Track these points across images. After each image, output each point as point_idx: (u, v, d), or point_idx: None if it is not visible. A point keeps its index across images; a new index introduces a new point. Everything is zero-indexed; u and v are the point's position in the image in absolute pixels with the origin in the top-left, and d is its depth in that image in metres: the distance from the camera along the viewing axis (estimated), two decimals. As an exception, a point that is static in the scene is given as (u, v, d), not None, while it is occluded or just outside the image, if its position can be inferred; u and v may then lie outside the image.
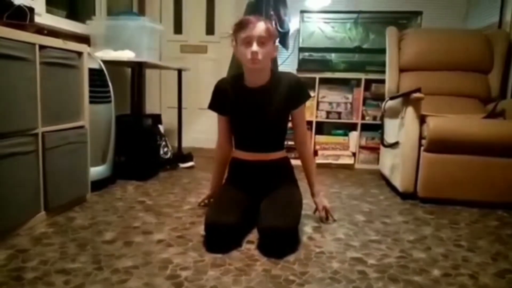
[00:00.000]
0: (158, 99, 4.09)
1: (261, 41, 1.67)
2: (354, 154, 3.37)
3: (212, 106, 1.94)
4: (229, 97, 1.85)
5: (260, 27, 1.67)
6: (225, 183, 1.98)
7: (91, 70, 2.14)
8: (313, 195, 1.95)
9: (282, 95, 1.80)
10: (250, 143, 1.88)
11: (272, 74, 1.83)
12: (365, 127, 3.36)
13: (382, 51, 3.15)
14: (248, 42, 1.68)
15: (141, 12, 3.85)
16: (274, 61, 1.89)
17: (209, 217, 1.60)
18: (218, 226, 1.55)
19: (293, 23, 3.57)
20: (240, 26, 1.70)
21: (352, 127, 3.45)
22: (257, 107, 1.81)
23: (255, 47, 1.66)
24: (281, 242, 1.52)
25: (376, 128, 3.25)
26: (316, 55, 3.51)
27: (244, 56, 1.70)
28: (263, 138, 1.86)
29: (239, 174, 1.92)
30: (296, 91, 1.83)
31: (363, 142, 3.37)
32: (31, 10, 1.82)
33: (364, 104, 3.36)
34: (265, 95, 1.81)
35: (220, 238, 1.55)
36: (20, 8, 1.77)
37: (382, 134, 2.84)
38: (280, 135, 1.91)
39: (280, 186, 1.82)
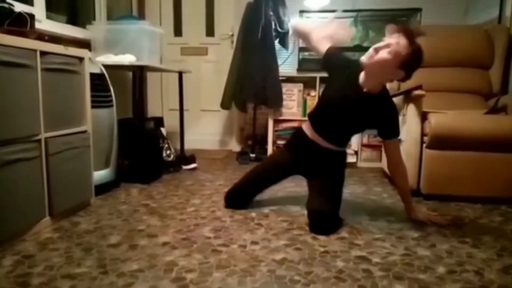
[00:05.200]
0: (159, 101, 4.11)
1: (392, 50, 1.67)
2: (356, 153, 3.37)
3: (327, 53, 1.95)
4: (341, 66, 1.93)
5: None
6: (282, 149, 2.20)
7: (92, 75, 2.15)
8: (412, 212, 1.96)
9: (377, 116, 1.87)
10: (322, 123, 1.98)
11: (383, 94, 1.87)
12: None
13: (382, 49, 3.14)
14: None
15: (141, 15, 3.86)
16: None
17: (233, 187, 2.13)
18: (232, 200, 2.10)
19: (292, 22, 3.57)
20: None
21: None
22: (352, 98, 1.86)
23: (388, 41, 1.69)
24: (324, 223, 1.77)
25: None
26: (316, 55, 3.51)
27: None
28: (335, 127, 1.94)
29: (295, 145, 2.09)
30: (389, 126, 1.90)
31: (365, 140, 3.37)
32: (32, 16, 1.83)
33: (365, 102, 3.36)
34: (365, 98, 1.84)
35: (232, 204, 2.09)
36: (20, 15, 1.77)
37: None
38: (349, 135, 2.04)
39: (327, 173, 1.97)
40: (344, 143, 2.04)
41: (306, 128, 2.05)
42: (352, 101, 1.86)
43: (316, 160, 2.01)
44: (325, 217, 1.79)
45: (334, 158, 2.02)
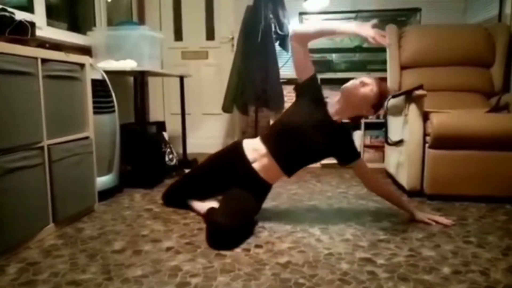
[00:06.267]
0: (161, 106, 4.11)
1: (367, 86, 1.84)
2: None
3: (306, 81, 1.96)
4: (316, 95, 1.95)
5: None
6: (212, 158, 2.13)
7: (94, 81, 2.16)
8: (414, 214, 1.96)
9: (337, 143, 1.91)
10: (280, 142, 1.88)
11: (343, 124, 1.95)
12: (369, 126, 3.36)
13: (383, 49, 3.15)
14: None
15: (141, 21, 3.87)
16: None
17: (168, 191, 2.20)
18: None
19: (292, 25, 3.58)
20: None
21: (355, 126, 3.44)
22: (319, 120, 1.89)
23: (370, 81, 1.85)
24: (220, 237, 1.63)
25: (380, 126, 3.25)
26: (316, 56, 3.52)
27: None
28: (294, 148, 1.87)
29: (231, 160, 1.98)
30: (350, 150, 1.96)
31: (367, 141, 3.37)
32: (32, 24, 1.84)
33: (366, 103, 3.35)
34: (330, 124, 1.90)
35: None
36: (21, 24, 1.78)
37: (386, 132, 2.84)
38: (303, 161, 1.93)
39: (246, 194, 1.86)
40: (293, 170, 1.94)
41: (249, 149, 1.95)
42: (318, 122, 1.87)
43: (241, 181, 1.89)
44: (222, 230, 1.63)
45: (258, 186, 1.92)
